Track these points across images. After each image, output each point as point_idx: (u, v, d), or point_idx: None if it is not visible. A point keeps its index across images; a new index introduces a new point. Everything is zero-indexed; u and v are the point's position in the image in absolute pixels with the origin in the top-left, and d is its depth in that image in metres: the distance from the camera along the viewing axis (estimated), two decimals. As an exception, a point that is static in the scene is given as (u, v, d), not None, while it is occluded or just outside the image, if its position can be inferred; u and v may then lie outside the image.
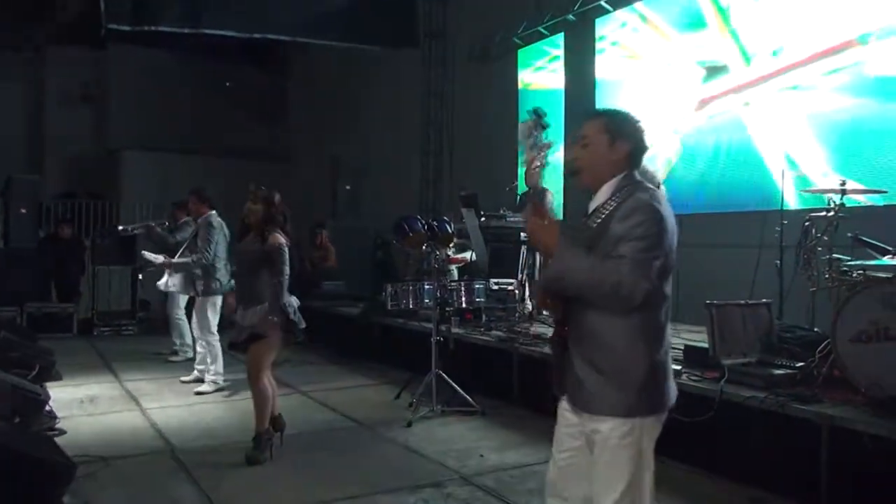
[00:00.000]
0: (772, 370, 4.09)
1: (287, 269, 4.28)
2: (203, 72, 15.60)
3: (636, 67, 8.32)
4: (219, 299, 6.23)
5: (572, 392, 2.15)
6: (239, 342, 4.34)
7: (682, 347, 4.89)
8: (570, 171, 2.22)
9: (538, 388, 5.14)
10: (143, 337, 9.37)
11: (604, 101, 8.55)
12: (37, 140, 16.27)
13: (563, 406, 2.25)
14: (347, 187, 11.08)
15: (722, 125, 7.21)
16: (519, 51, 10.25)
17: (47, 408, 4.90)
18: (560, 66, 9.46)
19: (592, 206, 2.17)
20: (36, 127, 16.34)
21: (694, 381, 4.23)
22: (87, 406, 5.61)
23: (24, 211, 9.63)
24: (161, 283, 6.91)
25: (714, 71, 7.33)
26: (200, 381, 6.28)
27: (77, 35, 14.33)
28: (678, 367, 4.40)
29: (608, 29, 8.72)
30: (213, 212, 6.42)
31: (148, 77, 15.62)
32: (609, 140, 2.16)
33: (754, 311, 4.57)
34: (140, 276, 9.42)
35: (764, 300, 4.72)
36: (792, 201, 6.06)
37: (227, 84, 15.29)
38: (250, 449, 4.22)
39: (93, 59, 16.09)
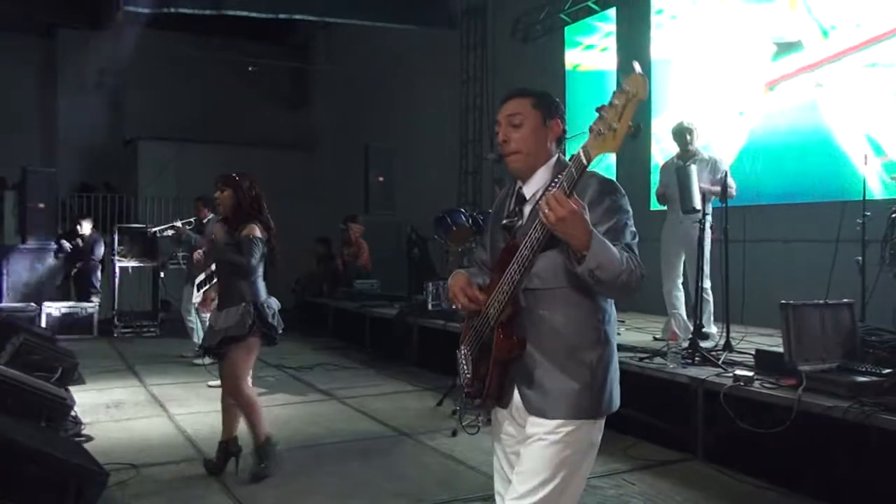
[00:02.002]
0: (855, 377, 4.03)
1: (253, 262, 4.11)
2: (224, 57, 15.82)
3: (697, 44, 8.23)
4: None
5: (535, 399, 2.05)
6: (213, 346, 4.19)
7: (754, 352, 4.87)
8: (501, 154, 2.14)
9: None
10: (165, 339, 9.58)
11: (661, 82, 8.49)
12: (50, 129, 16.69)
13: (505, 423, 2.19)
14: (380, 178, 11.15)
15: (794, 107, 7.11)
16: (566, 28, 10.22)
17: (72, 413, 5.05)
18: (611, 43, 9.41)
19: (530, 191, 2.12)
20: (50, 115, 16.77)
21: (768, 388, 4.20)
22: (113, 411, 5.78)
23: (41, 206, 9.91)
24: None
25: (786, 47, 7.23)
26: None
27: (92, 18, 14.66)
28: (750, 374, 4.38)
29: (666, 1, 8.65)
30: None
31: (166, 63, 15.92)
32: (542, 118, 2.12)
33: (835, 313, 4.50)
34: (162, 275, 9.63)
35: (845, 300, 4.65)
36: (876, 190, 5.95)
37: (250, 69, 15.49)
38: (254, 464, 4.17)
39: (109, 45, 16.43)
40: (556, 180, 1.93)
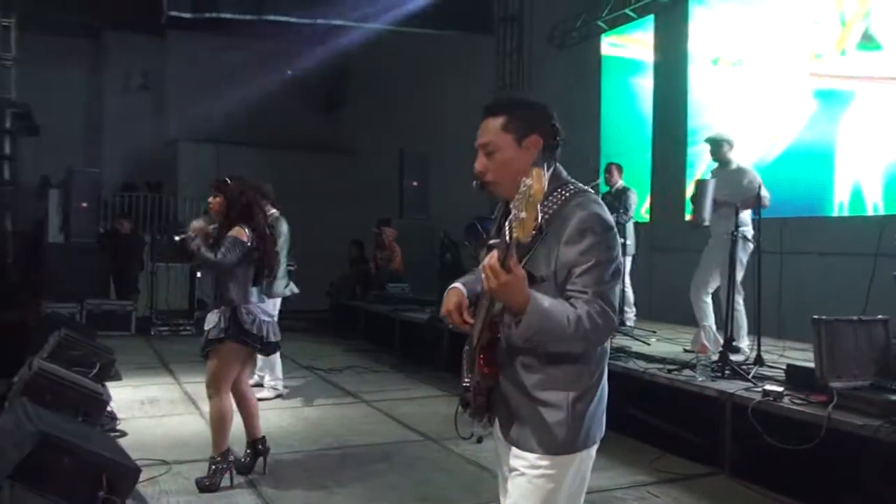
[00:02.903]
0: (888, 395, 3.96)
1: (223, 260, 4.01)
2: (264, 61, 16.07)
3: (737, 50, 8.16)
4: (278, 302, 6.43)
5: (506, 427, 2.02)
6: (201, 348, 4.23)
7: (785, 367, 4.81)
8: (480, 185, 2.07)
9: (618, 406, 5.12)
10: (200, 337, 9.74)
11: (699, 88, 8.43)
12: (95, 129, 17.11)
13: (497, 442, 2.15)
14: (414, 183, 11.22)
15: (836, 116, 7.00)
16: (602, 35, 10.19)
17: (108, 408, 5.18)
18: (644, 36, 9.39)
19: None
20: (96, 116, 17.19)
21: (797, 405, 4.15)
22: (148, 408, 5.92)
23: (84, 205, 10.17)
24: None
25: (828, 54, 7.13)
26: (260, 385, 6.50)
27: (137, 22, 15.00)
28: (780, 389, 4.34)
29: (704, 9, 8.58)
30: (275, 210, 6.61)
31: (207, 66, 16.22)
32: (515, 140, 1.99)
33: (869, 329, 4.43)
34: (199, 275, 9.80)
35: (880, 316, 4.58)
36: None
37: (289, 73, 15.71)
38: (202, 475, 4.11)
39: (153, 47, 16.82)
40: (545, 203, 1.85)
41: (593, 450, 2.03)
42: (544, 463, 1.94)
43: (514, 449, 1.99)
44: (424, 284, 10.15)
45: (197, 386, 6.74)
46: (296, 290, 6.62)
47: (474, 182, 2.10)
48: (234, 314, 4.08)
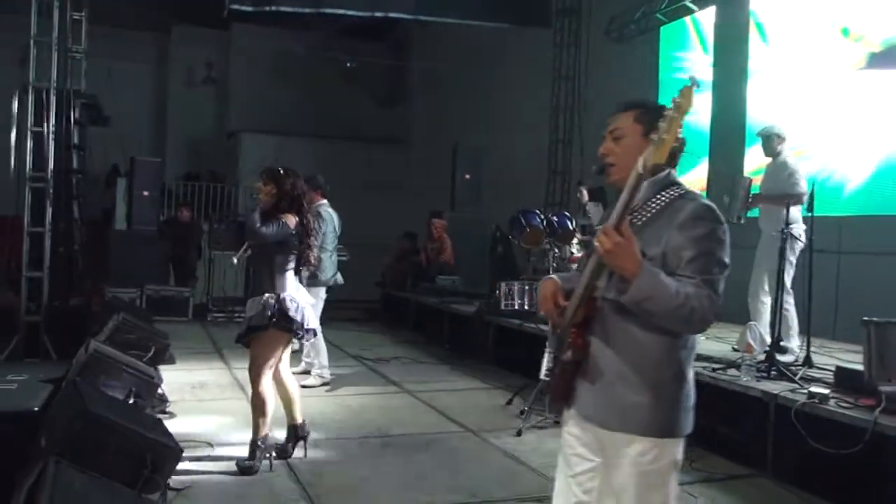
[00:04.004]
0: (939, 401, 3.83)
1: (265, 230, 4.10)
2: (323, 53, 16.30)
3: (800, 44, 7.91)
4: (323, 291, 6.55)
5: (593, 408, 2.11)
6: (240, 335, 4.33)
7: (834, 368, 4.68)
8: (601, 167, 2.19)
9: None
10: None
11: (758, 83, 8.21)
12: (161, 120, 17.65)
13: (570, 423, 2.23)
14: (467, 176, 11.24)
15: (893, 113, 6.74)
16: (661, 28, 10.01)
17: (159, 391, 5.37)
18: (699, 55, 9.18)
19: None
20: (161, 107, 17.73)
21: (844, 407, 4.04)
22: (198, 391, 6.11)
23: (146, 193, 10.52)
24: None
25: (887, 52, 6.87)
26: (307, 373, 6.64)
27: (201, 16, 15.40)
28: (826, 392, 4.23)
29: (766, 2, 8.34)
30: (325, 201, 6.73)
31: (268, 58, 16.56)
32: (643, 132, 2.09)
33: (923, 332, 4.28)
34: (234, 261, 10.03)
35: (936, 319, 4.41)
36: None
37: (348, 65, 15.90)
38: (242, 458, 4.23)
39: (216, 40, 17.25)
40: (659, 197, 2.05)
41: (680, 444, 2.10)
42: (639, 449, 2.03)
43: (603, 433, 2.09)
44: (475, 278, 10.16)
45: (246, 372, 6.91)
46: (340, 281, 6.73)
47: (593, 166, 2.28)
48: (279, 302, 4.17)
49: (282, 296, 4.20)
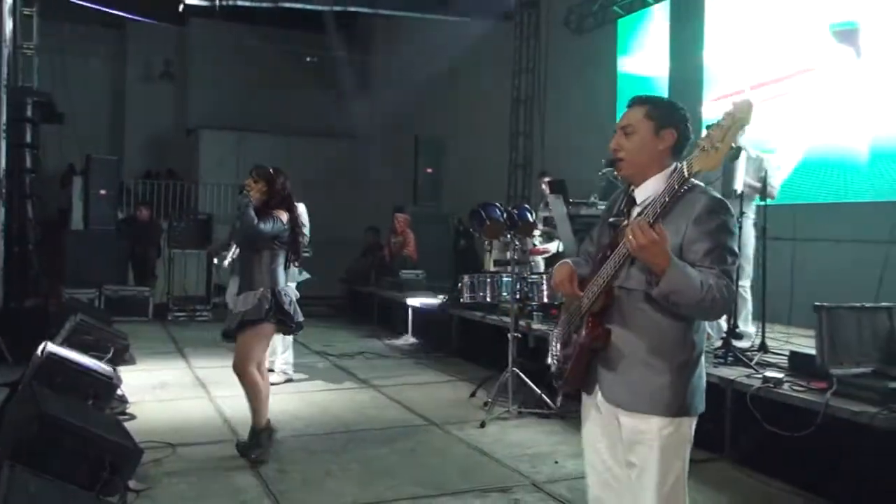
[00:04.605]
0: (888, 383, 3.93)
1: (262, 227, 4.23)
2: (283, 48, 16.16)
3: (752, 38, 8.05)
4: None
5: (619, 393, 2.22)
6: (230, 330, 4.38)
7: (788, 353, 4.79)
8: (611, 161, 2.27)
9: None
10: (217, 323, 9.88)
11: (714, 76, 8.33)
12: (118, 118, 17.34)
13: (590, 407, 2.36)
14: (429, 170, 11.25)
15: (846, 103, 6.90)
16: (619, 21, 10.10)
17: (119, 392, 5.30)
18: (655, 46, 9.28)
19: (640, 196, 2.24)
20: (117, 104, 17.41)
21: (797, 391, 4.14)
22: (158, 392, 6.03)
23: (103, 192, 10.33)
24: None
25: (838, 43, 7.02)
26: (271, 370, 6.58)
27: (157, 10, 15.15)
28: (780, 376, 4.32)
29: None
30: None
31: (227, 54, 16.35)
32: (654, 128, 2.20)
33: (872, 316, 4.40)
34: (216, 261, 9.93)
35: (885, 304, 4.53)
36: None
37: (308, 60, 15.77)
38: (248, 447, 4.31)
39: (173, 35, 16.97)
40: (669, 190, 2.08)
41: (695, 421, 2.23)
42: (662, 428, 2.15)
43: (625, 416, 2.20)
44: (439, 271, 10.18)
45: (208, 371, 6.88)
46: (307, 276, 6.71)
47: (604, 160, 2.38)
48: (273, 296, 4.29)
49: (276, 290, 4.32)
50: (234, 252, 7.56)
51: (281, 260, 4.41)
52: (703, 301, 2.01)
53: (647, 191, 2.20)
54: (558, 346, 2.43)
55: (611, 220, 2.31)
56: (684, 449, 2.22)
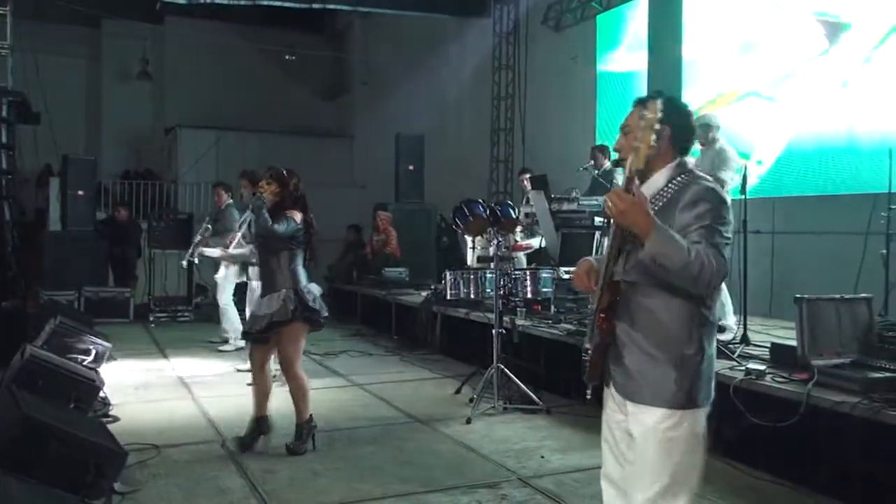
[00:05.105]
0: (868, 373, 3.99)
1: (281, 229, 4.32)
2: (262, 46, 16.05)
3: (730, 35, 8.11)
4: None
5: (626, 385, 2.29)
6: (254, 331, 4.46)
7: (769, 345, 4.84)
8: (617, 161, 2.44)
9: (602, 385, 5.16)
10: (198, 324, 9.83)
11: (693, 70, 8.38)
12: (95, 117, 17.14)
13: (609, 400, 2.44)
14: (410, 167, 11.23)
15: (826, 98, 6.98)
16: (598, 17, 10.14)
17: (101, 394, 5.24)
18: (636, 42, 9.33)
19: (647, 191, 2.28)
20: (94, 104, 17.21)
21: (779, 382, 4.18)
22: (141, 393, 5.98)
23: (81, 193, 10.21)
24: (219, 276, 7.20)
25: (821, 39, 7.10)
26: (254, 370, 6.55)
27: (133, 8, 14.98)
28: (762, 368, 4.37)
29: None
30: None
31: (205, 52, 16.22)
32: None
33: (851, 307, 4.45)
34: (196, 262, 9.85)
35: (863, 295, 4.59)
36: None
37: (287, 58, 15.68)
38: (291, 440, 4.46)
39: (150, 34, 16.80)
40: (672, 184, 2.25)
41: (703, 412, 2.28)
42: (663, 421, 2.21)
43: (630, 406, 2.28)
44: (421, 268, 10.18)
45: (191, 371, 6.84)
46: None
47: (613, 160, 2.54)
48: (298, 295, 4.35)
49: (298, 288, 4.38)
50: (191, 252, 7.55)
51: (300, 259, 4.47)
52: (690, 265, 2.05)
53: (655, 185, 2.31)
54: (588, 344, 2.51)
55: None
56: (689, 443, 2.25)
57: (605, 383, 2.42)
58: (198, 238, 7.39)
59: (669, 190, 2.27)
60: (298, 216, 4.44)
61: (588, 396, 2.44)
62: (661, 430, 2.22)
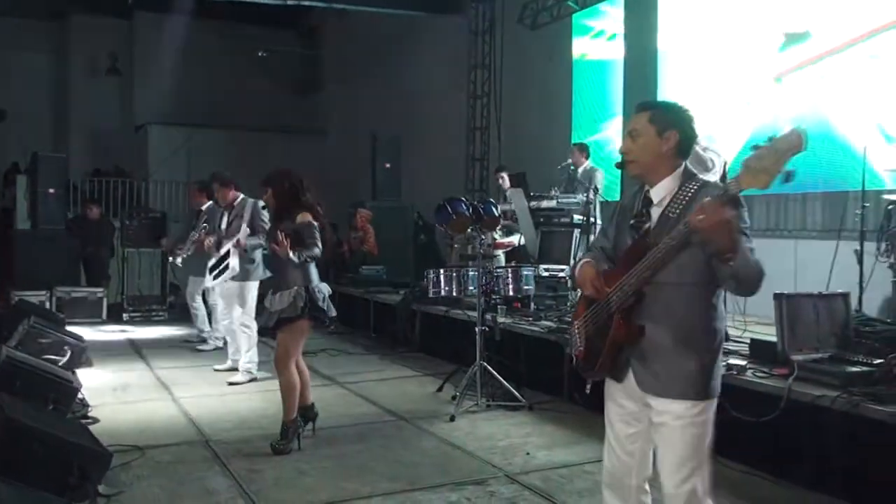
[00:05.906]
0: (846, 367, 4.08)
1: (317, 250, 4.45)
2: (234, 43, 15.90)
3: (706, 33, 8.22)
4: (255, 287, 6.45)
5: (653, 382, 2.37)
6: (269, 327, 4.56)
7: (749, 342, 4.92)
8: (621, 163, 2.49)
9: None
10: (173, 323, 9.73)
11: (667, 70, 8.48)
12: (62, 114, 16.85)
13: (616, 393, 2.52)
14: (387, 165, 11.21)
15: (800, 98, 7.10)
16: (574, 15, 10.21)
17: (79, 395, 5.17)
18: (618, 28, 9.40)
19: (657, 196, 2.42)
20: (62, 100, 16.91)
21: (760, 377, 4.25)
22: (120, 394, 5.91)
23: (52, 191, 10.03)
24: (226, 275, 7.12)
25: (794, 38, 7.22)
26: (234, 370, 6.52)
27: (104, 4, 14.77)
28: (743, 363, 4.44)
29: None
30: (241, 195, 6.65)
31: (175, 48, 15.98)
32: (657, 131, 2.39)
33: (828, 303, 4.55)
34: (171, 259, 9.74)
35: (840, 291, 4.70)
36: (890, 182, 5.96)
37: (260, 54, 15.55)
38: (276, 439, 4.45)
39: (118, 29, 16.56)
40: (685, 188, 2.32)
41: (715, 402, 2.41)
42: (689, 410, 2.33)
43: (655, 402, 2.36)
44: (399, 266, 10.16)
45: (169, 371, 6.78)
46: (269, 274, 6.63)
47: (615, 163, 2.56)
48: (307, 293, 4.41)
49: (310, 287, 4.44)
50: (188, 249, 7.47)
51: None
52: (759, 273, 2.17)
53: (663, 190, 2.40)
54: (582, 340, 2.57)
55: (632, 222, 2.46)
56: (708, 427, 2.39)
57: (616, 378, 2.49)
58: (195, 235, 7.33)
59: (683, 196, 2.33)
60: (308, 216, 4.50)
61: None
62: (689, 418, 2.33)
